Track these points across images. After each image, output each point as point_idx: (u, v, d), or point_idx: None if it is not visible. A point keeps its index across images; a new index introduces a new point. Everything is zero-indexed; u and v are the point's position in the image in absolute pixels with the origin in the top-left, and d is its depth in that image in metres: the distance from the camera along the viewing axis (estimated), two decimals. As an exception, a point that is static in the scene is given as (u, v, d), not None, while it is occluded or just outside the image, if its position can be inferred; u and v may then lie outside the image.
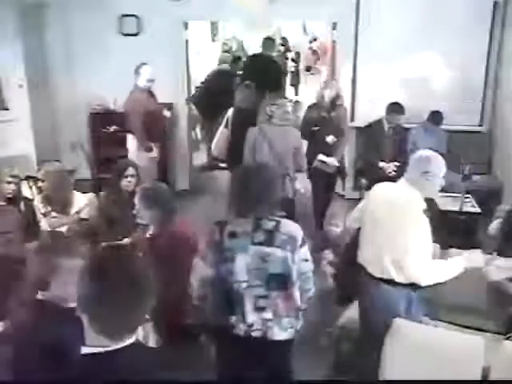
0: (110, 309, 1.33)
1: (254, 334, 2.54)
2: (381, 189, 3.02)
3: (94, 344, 1.35)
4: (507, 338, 2.95)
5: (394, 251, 2.78)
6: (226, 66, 8.00)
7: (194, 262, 2.60)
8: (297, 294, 2.57)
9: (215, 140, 6.05)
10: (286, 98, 5.73)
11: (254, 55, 7.99)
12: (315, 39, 12.54)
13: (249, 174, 2.62)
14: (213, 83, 7.51)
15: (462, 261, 2.88)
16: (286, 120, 4.52)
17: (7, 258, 3.16)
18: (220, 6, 6.16)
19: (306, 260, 2.59)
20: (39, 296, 2.04)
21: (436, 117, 5.67)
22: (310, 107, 5.33)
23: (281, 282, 2.52)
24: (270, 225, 2.50)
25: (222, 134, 5.85)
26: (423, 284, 2.80)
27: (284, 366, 2.72)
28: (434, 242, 3.42)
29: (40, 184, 4.06)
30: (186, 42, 6.63)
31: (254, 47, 11.77)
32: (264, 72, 6.44)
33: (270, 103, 4.59)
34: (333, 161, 5.18)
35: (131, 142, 5.49)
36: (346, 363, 3.32)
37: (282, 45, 12.03)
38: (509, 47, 5.79)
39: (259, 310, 2.53)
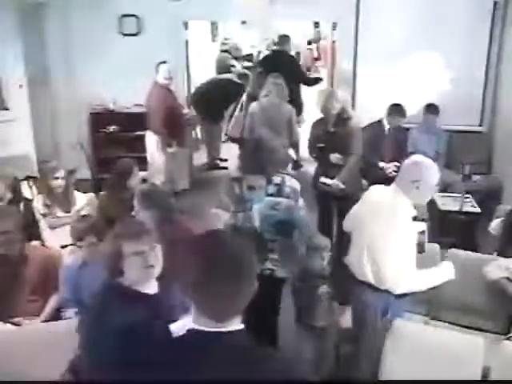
0: (216, 293, 1.34)
1: (263, 272, 2.87)
2: (372, 192, 2.95)
3: (200, 324, 1.37)
4: (507, 338, 2.95)
5: (373, 256, 2.73)
6: (232, 76, 7.96)
7: (213, 211, 3.11)
8: (297, 237, 2.99)
9: (231, 123, 6.69)
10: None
11: (273, 51, 8.36)
12: (315, 41, 12.54)
13: (261, 142, 3.33)
14: (217, 91, 7.47)
15: (451, 268, 2.79)
16: (282, 96, 5.25)
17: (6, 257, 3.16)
18: (220, 6, 6.16)
19: (303, 208, 3.11)
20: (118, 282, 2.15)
21: (431, 108, 5.67)
22: (315, 122, 4.81)
23: (286, 227, 2.95)
24: (278, 180, 3.11)
25: (237, 117, 6.50)
26: (396, 292, 2.72)
27: (278, 301, 3.14)
28: (434, 242, 3.44)
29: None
30: (186, 42, 6.63)
31: (253, 47, 11.80)
32: (281, 65, 6.49)
33: (270, 82, 5.34)
34: (336, 183, 4.41)
35: (151, 139, 5.59)
36: (346, 363, 3.32)
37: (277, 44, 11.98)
38: (509, 47, 5.79)
39: (269, 251, 2.92)
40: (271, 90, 5.29)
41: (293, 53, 11.65)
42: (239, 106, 6.60)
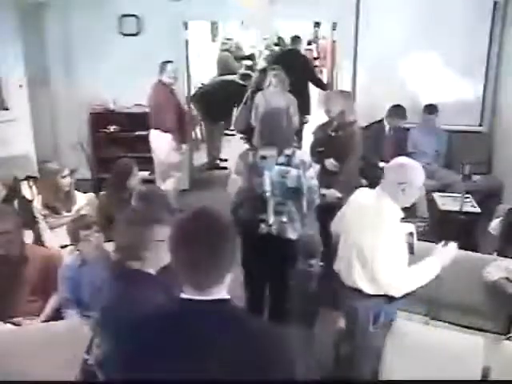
0: (192, 265, 1.45)
1: (272, 232, 3.37)
2: (357, 196, 2.90)
3: (187, 293, 1.48)
4: (507, 338, 2.95)
5: (363, 261, 2.68)
6: (235, 77, 7.98)
7: (231, 177, 3.54)
8: (304, 203, 3.39)
9: (236, 115, 6.88)
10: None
11: (287, 49, 8.72)
12: (314, 41, 12.54)
13: (273, 115, 3.58)
14: (220, 91, 7.48)
15: (437, 261, 2.70)
16: (282, 86, 5.71)
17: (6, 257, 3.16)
18: (220, 6, 6.16)
19: (312, 178, 3.42)
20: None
21: (430, 108, 5.68)
22: (319, 125, 4.78)
23: (294, 193, 3.35)
24: (289, 152, 3.38)
25: (241, 110, 6.64)
26: (397, 295, 2.69)
27: (291, 260, 3.60)
28: (434, 242, 3.44)
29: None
30: (186, 42, 6.63)
31: (253, 47, 11.81)
32: (294, 64, 6.70)
33: (271, 74, 5.81)
34: (332, 192, 4.27)
35: (160, 138, 5.61)
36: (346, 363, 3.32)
37: (277, 44, 12.01)
38: (509, 47, 5.79)
39: (277, 213, 3.38)
40: (272, 81, 5.74)
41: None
42: (244, 99, 6.76)
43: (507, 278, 3.15)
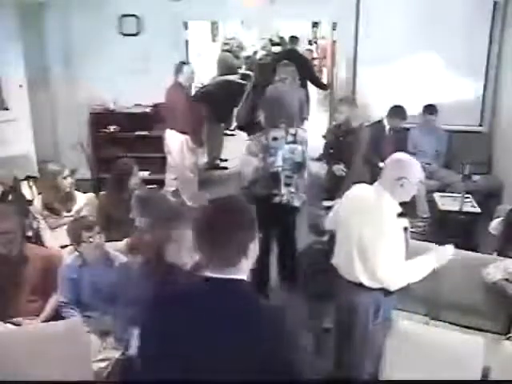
0: (214, 246, 1.59)
1: (283, 201, 3.93)
2: (354, 192, 2.92)
3: (209, 273, 1.61)
4: (507, 338, 2.95)
5: (363, 256, 2.71)
6: (236, 77, 7.98)
7: (244, 157, 4.05)
8: (306, 175, 4.02)
9: (238, 110, 6.93)
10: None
11: (286, 49, 8.74)
12: (315, 41, 12.53)
13: (278, 98, 4.11)
14: (221, 91, 7.48)
15: (433, 258, 2.74)
16: (295, 82, 5.78)
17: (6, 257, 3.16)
18: (220, 6, 6.16)
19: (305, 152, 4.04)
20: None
21: (430, 108, 5.68)
22: (329, 128, 5.12)
23: (300, 167, 3.93)
24: (293, 131, 3.93)
25: (242, 105, 6.71)
26: (392, 289, 2.72)
27: (293, 224, 4.24)
28: (434, 242, 3.44)
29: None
30: (186, 42, 6.63)
31: (253, 46, 11.79)
32: (294, 62, 6.62)
33: (282, 69, 5.83)
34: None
35: (176, 138, 5.68)
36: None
37: (279, 44, 12.00)
38: (509, 47, 5.79)
39: (287, 185, 3.95)
40: (286, 77, 5.66)
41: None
42: (245, 95, 6.84)
43: (507, 280, 3.15)
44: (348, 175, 4.64)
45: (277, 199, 3.93)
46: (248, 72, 8.35)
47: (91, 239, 3.11)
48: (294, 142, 3.93)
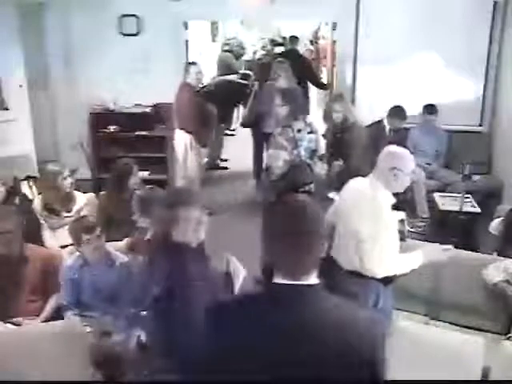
0: (289, 253, 1.49)
1: (312, 190, 4.07)
2: (350, 185, 3.01)
3: (280, 279, 1.51)
4: (507, 338, 2.95)
5: (360, 244, 2.77)
6: (236, 77, 7.98)
7: (271, 152, 4.34)
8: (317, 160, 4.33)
9: (245, 111, 6.96)
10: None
11: (286, 49, 8.73)
12: (316, 41, 12.51)
13: (292, 92, 4.56)
14: (222, 91, 7.49)
15: (421, 255, 2.80)
16: (289, 78, 5.79)
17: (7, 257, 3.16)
18: (220, 6, 6.16)
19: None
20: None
21: (430, 108, 5.68)
22: (327, 128, 5.13)
23: (314, 154, 4.29)
24: (309, 121, 4.38)
25: (250, 105, 6.69)
26: (378, 276, 2.78)
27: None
28: (434, 242, 3.44)
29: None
30: (186, 42, 6.63)
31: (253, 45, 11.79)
32: (293, 63, 6.67)
33: (277, 66, 5.92)
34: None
35: (180, 138, 5.73)
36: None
37: (281, 44, 12.01)
38: (509, 47, 5.79)
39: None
40: (279, 74, 5.75)
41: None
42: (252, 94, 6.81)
43: (507, 281, 3.15)
44: (345, 171, 4.64)
45: (306, 188, 4.10)
46: (248, 72, 8.36)
47: (91, 241, 3.11)
48: (312, 132, 4.31)
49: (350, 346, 1.46)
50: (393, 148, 2.90)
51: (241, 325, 1.50)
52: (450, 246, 2.91)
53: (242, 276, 2.66)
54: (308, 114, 4.61)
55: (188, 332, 2.28)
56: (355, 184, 2.97)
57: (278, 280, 1.50)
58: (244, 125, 7.18)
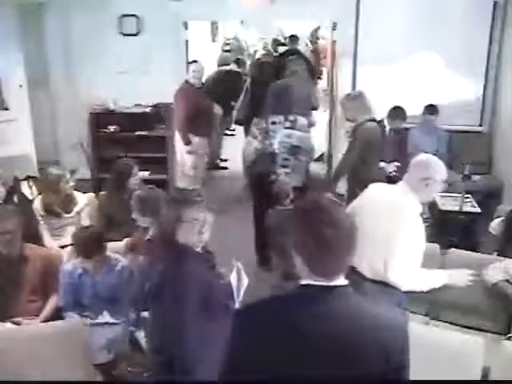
0: (322, 255, 1.48)
1: (278, 180, 4.28)
2: (375, 191, 2.95)
3: (308, 279, 1.51)
4: (507, 338, 2.95)
5: (385, 253, 2.73)
6: (233, 67, 7.97)
7: (246, 139, 4.81)
8: (304, 158, 4.45)
9: (237, 107, 7.10)
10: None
11: (286, 50, 8.70)
12: (315, 41, 12.51)
13: (288, 88, 5.01)
14: (220, 85, 7.48)
15: (445, 275, 2.82)
16: (304, 75, 6.09)
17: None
18: (220, 6, 6.16)
19: (309, 138, 4.53)
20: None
21: (430, 108, 5.67)
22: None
23: (296, 150, 4.41)
24: (293, 118, 4.47)
25: (242, 101, 6.91)
26: (403, 289, 2.76)
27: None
28: (434, 241, 3.44)
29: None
30: (186, 42, 6.63)
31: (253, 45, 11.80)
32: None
33: (292, 64, 6.08)
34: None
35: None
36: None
37: (283, 44, 12.01)
38: (509, 47, 5.79)
39: (284, 166, 4.50)
40: (296, 69, 5.91)
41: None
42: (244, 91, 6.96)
43: (507, 281, 3.15)
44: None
45: (273, 177, 4.33)
46: (242, 57, 8.41)
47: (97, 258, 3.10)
48: (292, 128, 4.49)
49: (380, 343, 1.51)
50: (425, 157, 2.88)
51: (273, 326, 1.49)
52: (476, 272, 2.90)
53: (245, 284, 2.64)
54: (302, 111, 4.67)
55: (178, 333, 2.30)
56: (379, 191, 2.92)
57: (308, 281, 1.51)
58: (237, 122, 7.26)
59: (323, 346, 1.45)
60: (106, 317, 3.13)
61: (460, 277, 2.85)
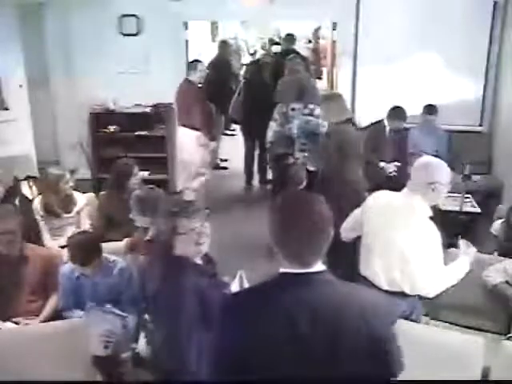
0: (296, 242, 1.56)
1: (297, 163, 4.76)
2: (379, 198, 2.87)
3: (287, 268, 1.59)
4: (507, 338, 2.95)
5: (403, 263, 2.68)
6: (230, 59, 7.97)
7: (269, 123, 5.09)
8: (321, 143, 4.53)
9: (231, 106, 7.04)
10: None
11: (284, 50, 8.48)
12: (315, 40, 12.52)
13: (294, 81, 5.25)
14: (218, 78, 7.44)
15: (466, 260, 2.78)
16: (305, 73, 6.06)
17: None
18: (220, 6, 6.16)
19: (324, 126, 4.59)
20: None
21: (430, 109, 5.67)
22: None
23: (314, 136, 4.72)
24: (312, 106, 4.86)
25: (236, 99, 6.91)
26: (431, 296, 2.72)
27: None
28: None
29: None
30: (186, 42, 6.63)
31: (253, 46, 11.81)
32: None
33: (292, 63, 6.02)
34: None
35: (188, 135, 5.73)
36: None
37: (278, 43, 11.99)
38: (509, 47, 5.79)
39: (302, 150, 4.88)
40: (297, 68, 5.88)
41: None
42: (237, 91, 6.96)
43: (507, 282, 3.16)
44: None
45: (291, 160, 4.77)
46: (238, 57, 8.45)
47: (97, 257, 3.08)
48: (311, 115, 4.79)
49: (363, 327, 1.53)
50: (429, 160, 2.81)
51: (254, 314, 1.55)
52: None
53: None
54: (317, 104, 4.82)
55: (176, 346, 2.28)
56: (386, 198, 2.84)
57: (285, 269, 1.58)
58: (232, 120, 7.32)
59: (304, 331, 1.49)
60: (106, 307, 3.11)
61: (472, 254, 2.84)
